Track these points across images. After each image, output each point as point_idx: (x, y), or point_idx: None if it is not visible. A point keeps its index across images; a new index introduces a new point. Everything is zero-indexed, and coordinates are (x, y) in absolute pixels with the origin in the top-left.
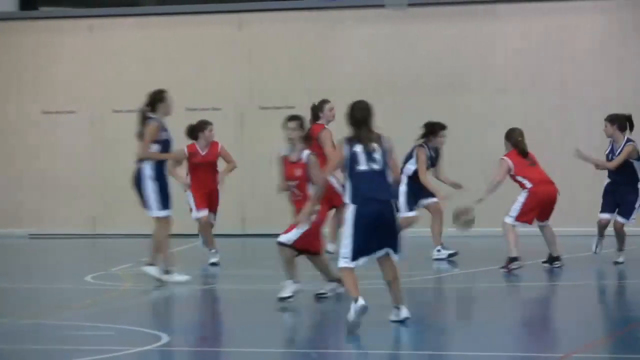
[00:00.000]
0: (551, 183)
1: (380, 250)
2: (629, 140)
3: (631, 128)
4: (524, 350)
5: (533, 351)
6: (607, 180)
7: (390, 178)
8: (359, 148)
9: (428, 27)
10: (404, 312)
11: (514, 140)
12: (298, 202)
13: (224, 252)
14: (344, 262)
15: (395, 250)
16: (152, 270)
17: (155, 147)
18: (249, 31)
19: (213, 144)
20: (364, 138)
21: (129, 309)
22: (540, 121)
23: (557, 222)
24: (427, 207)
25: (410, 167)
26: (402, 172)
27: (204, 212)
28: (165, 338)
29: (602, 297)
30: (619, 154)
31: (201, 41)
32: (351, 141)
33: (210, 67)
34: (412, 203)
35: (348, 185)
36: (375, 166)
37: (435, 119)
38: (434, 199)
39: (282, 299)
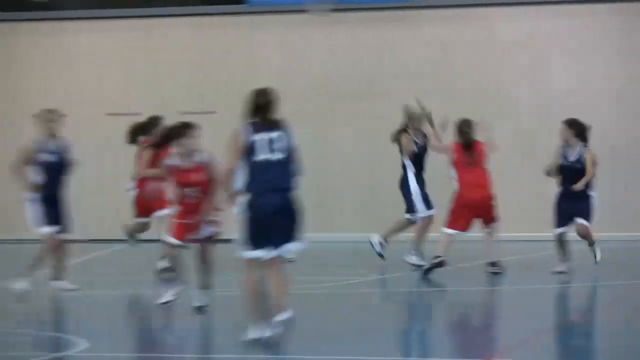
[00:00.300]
0: (482, 187)
1: (276, 248)
2: (585, 147)
3: (584, 138)
4: (437, 355)
5: (445, 356)
6: (558, 191)
7: (293, 167)
8: (259, 136)
9: (349, 32)
10: (285, 314)
11: (461, 130)
12: (197, 205)
13: (150, 258)
14: (246, 254)
15: (293, 240)
16: (64, 284)
17: (34, 169)
18: (169, 36)
19: None
20: (265, 125)
21: (49, 314)
22: None
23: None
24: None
25: (406, 160)
26: (405, 171)
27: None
28: (84, 344)
29: (526, 301)
30: (577, 160)
31: (123, 46)
32: (251, 128)
33: (131, 72)
34: (427, 201)
35: (245, 174)
36: (277, 155)
37: (355, 123)
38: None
39: (199, 309)
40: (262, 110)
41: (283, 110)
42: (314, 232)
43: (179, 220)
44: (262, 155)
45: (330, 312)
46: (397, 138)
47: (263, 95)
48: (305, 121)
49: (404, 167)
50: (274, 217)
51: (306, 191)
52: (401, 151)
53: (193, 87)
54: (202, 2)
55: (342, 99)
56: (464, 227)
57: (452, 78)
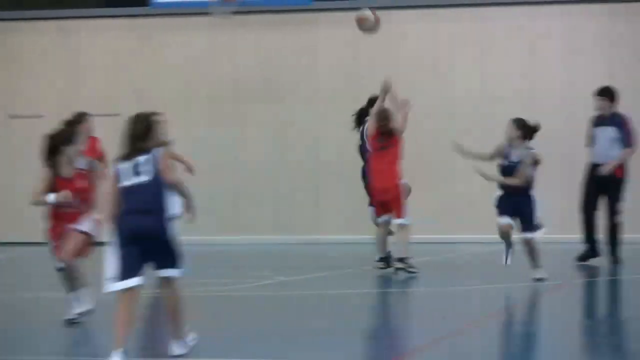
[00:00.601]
0: (387, 175)
1: (158, 270)
2: (529, 147)
3: (529, 136)
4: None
5: (352, 357)
6: (498, 192)
7: (165, 187)
8: (123, 165)
9: (250, 34)
10: (179, 348)
11: (377, 123)
12: (73, 214)
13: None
14: (113, 286)
15: (172, 265)
16: None
17: None
18: (69, 38)
19: (92, 139)
20: (129, 154)
21: None
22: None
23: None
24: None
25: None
26: (364, 160)
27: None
28: None
29: (427, 303)
30: (519, 161)
31: (23, 47)
32: (117, 160)
33: (32, 73)
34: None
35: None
36: (142, 178)
37: (254, 127)
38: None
39: (71, 321)
40: (138, 137)
41: (187, 113)
42: (226, 235)
43: (54, 235)
44: (126, 181)
45: (223, 315)
46: (360, 123)
47: (140, 122)
48: (210, 123)
49: (366, 156)
50: (138, 239)
51: (217, 193)
52: (365, 138)
53: (99, 89)
54: (105, 4)
55: (247, 101)
56: (381, 212)
57: (358, 78)
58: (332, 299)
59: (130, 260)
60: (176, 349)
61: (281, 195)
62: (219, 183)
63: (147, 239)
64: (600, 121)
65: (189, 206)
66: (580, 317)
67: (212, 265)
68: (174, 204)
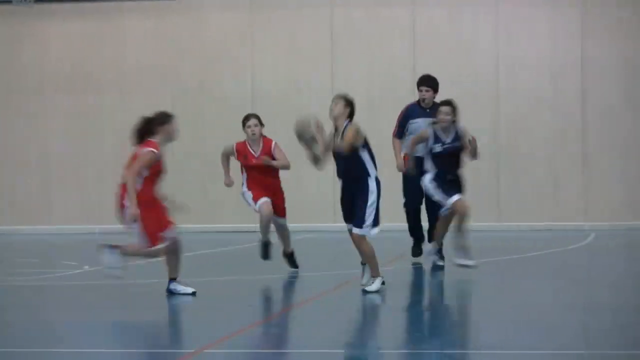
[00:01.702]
0: None
1: None
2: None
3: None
4: (150, 347)
5: (161, 347)
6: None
7: None
8: None
9: (56, 24)
10: None
11: None
12: None
13: None
14: None
15: None
16: None
17: None
18: None
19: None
20: None
21: None
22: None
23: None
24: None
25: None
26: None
27: None
28: None
29: (242, 292)
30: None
31: None
32: None
33: None
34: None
35: None
36: None
37: (68, 118)
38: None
39: None
40: None
41: None
42: (37, 225)
43: None
44: None
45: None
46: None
47: None
48: (11, 114)
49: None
50: None
51: (25, 184)
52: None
53: None
54: None
55: (52, 92)
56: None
57: (158, 73)
58: (130, 289)
59: None
60: None
61: (89, 185)
62: (25, 174)
63: None
64: (422, 112)
65: None
66: (393, 306)
67: (21, 255)
68: None
